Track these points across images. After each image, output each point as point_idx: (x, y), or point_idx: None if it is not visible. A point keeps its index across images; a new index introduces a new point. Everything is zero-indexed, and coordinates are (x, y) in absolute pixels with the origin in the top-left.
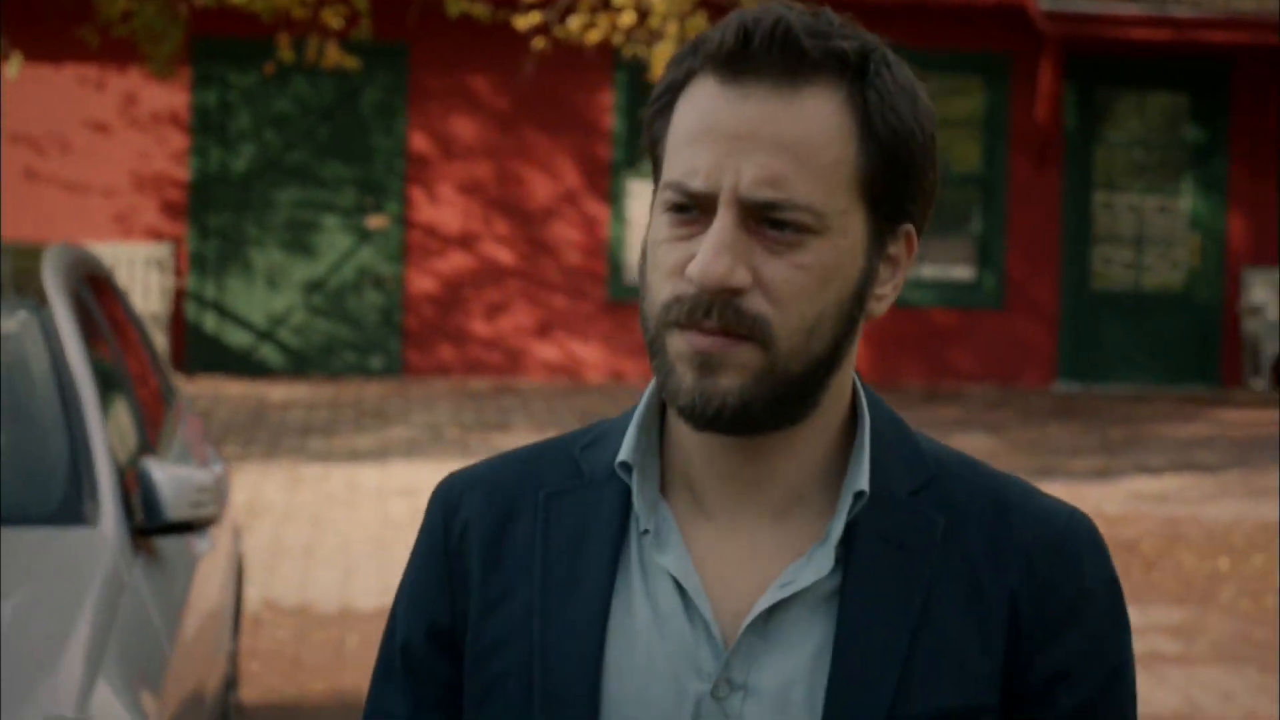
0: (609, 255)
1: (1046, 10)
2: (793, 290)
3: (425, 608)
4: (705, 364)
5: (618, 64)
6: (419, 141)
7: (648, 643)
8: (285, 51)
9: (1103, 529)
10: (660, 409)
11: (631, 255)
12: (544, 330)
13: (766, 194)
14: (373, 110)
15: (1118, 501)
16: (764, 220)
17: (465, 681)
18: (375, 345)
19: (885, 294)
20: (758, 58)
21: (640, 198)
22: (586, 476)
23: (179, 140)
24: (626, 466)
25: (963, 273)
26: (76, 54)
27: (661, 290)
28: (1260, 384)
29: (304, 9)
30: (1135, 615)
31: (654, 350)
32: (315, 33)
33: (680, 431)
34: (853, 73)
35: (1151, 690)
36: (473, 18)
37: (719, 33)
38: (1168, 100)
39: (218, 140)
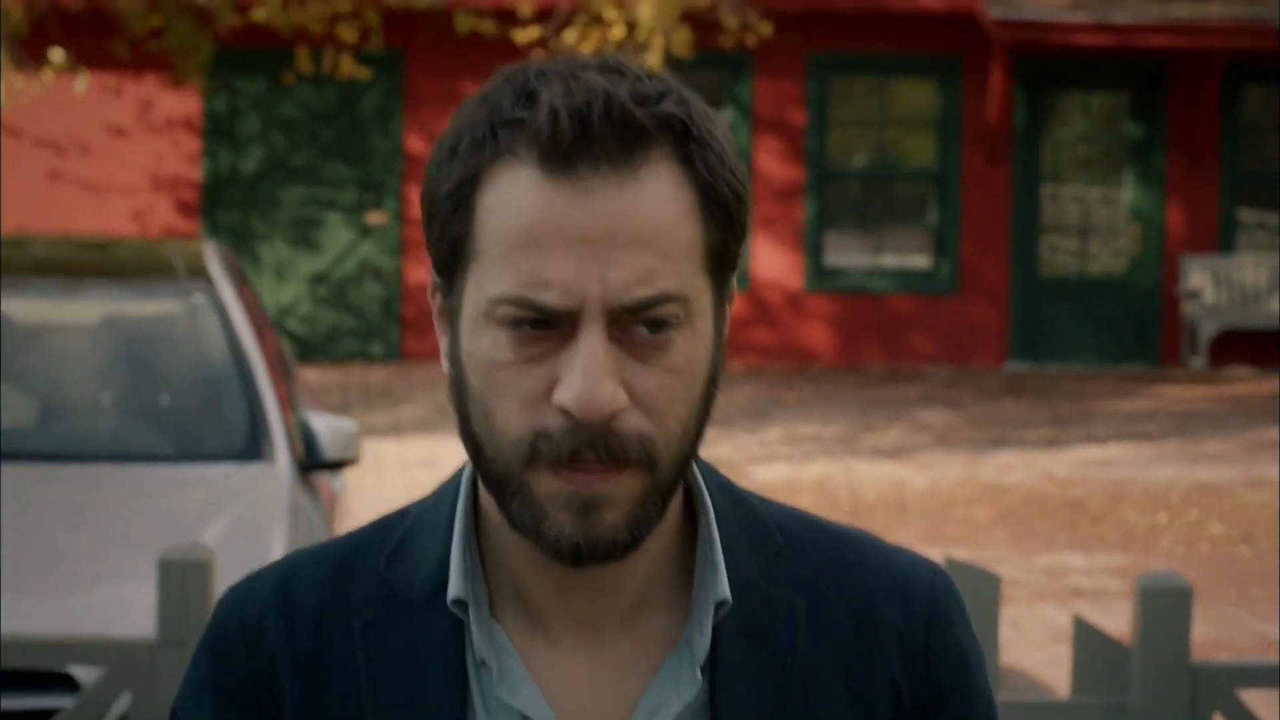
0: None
1: (997, 18)
2: (667, 398)
3: None
4: (587, 504)
5: None
6: (414, 143)
7: None
8: (304, 63)
9: (1053, 491)
10: (475, 519)
11: None
12: None
13: (640, 293)
14: (371, 115)
15: (1066, 466)
16: (629, 326)
17: None
18: (376, 333)
19: (721, 371)
20: (594, 144)
21: None
22: (402, 599)
23: (192, 143)
24: (461, 604)
25: (919, 261)
26: (96, 63)
27: (514, 423)
28: (1197, 362)
29: (321, 24)
30: (1085, 561)
31: (509, 491)
32: (330, 45)
33: (505, 542)
34: (681, 138)
35: (1102, 620)
36: (463, 29)
37: (545, 119)
38: (1109, 99)
39: (228, 143)
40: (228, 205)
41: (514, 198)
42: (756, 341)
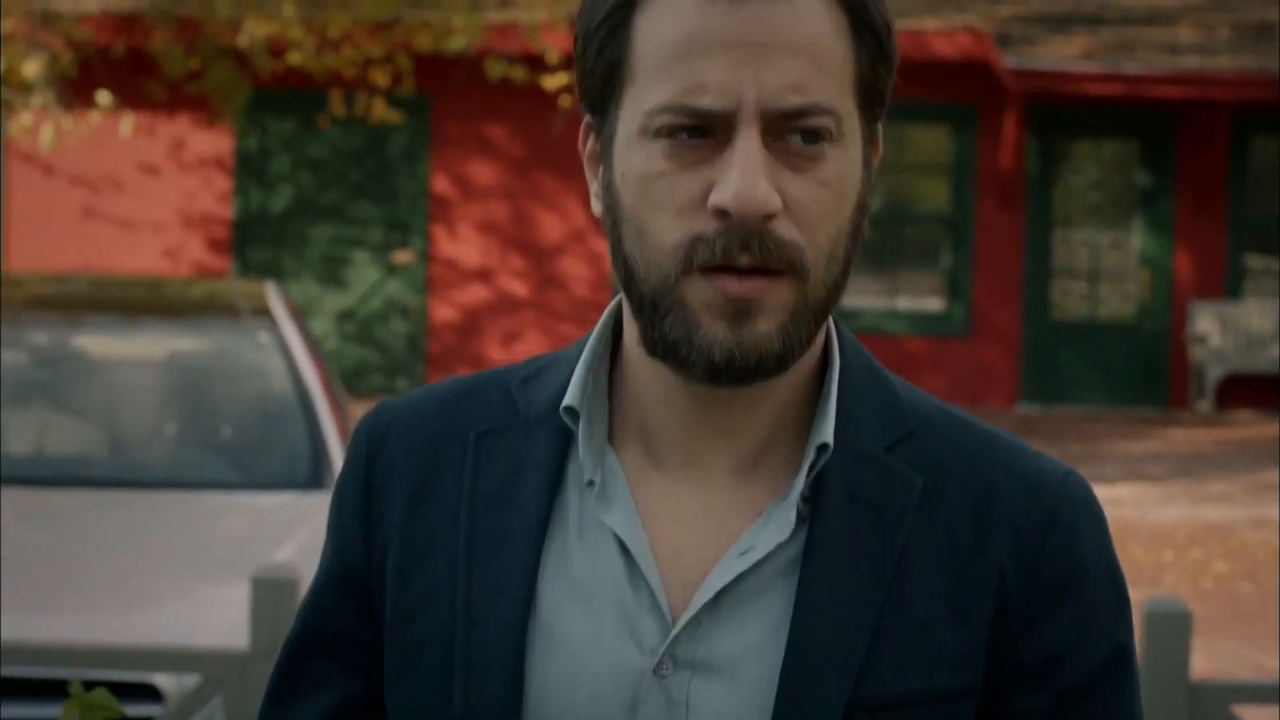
0: (613, 289)
1: (1011, 68)
2: (820, 210)
3: (344, 547)
4: (739, 310)
5: None
6: (441, 184)
7: (583, 609)
8: (337, 107)
9: None
10: (612, 349)
11: None
12: None
13: (794, 100)
14: (399, 156)
15: None
16: (784, 134)
17: (385, 649)
18: (401, 369)
19: (870, 204)
20: None
21: None
22: (523, 414)
23: (223, 182)
24: (572, 412)
25: (933, 304)
26: (131, 103)
27: (670, 232)
28: (1204, 406)
29: (354, 69)
30: None
31: (662, 306)
32: (363, 90)
33: (639, 376)
34: None
35: None
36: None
37: None
38: (1120, 148)
39: (258, 182)
40: (258, 243)
41: (671, 13)
42: None
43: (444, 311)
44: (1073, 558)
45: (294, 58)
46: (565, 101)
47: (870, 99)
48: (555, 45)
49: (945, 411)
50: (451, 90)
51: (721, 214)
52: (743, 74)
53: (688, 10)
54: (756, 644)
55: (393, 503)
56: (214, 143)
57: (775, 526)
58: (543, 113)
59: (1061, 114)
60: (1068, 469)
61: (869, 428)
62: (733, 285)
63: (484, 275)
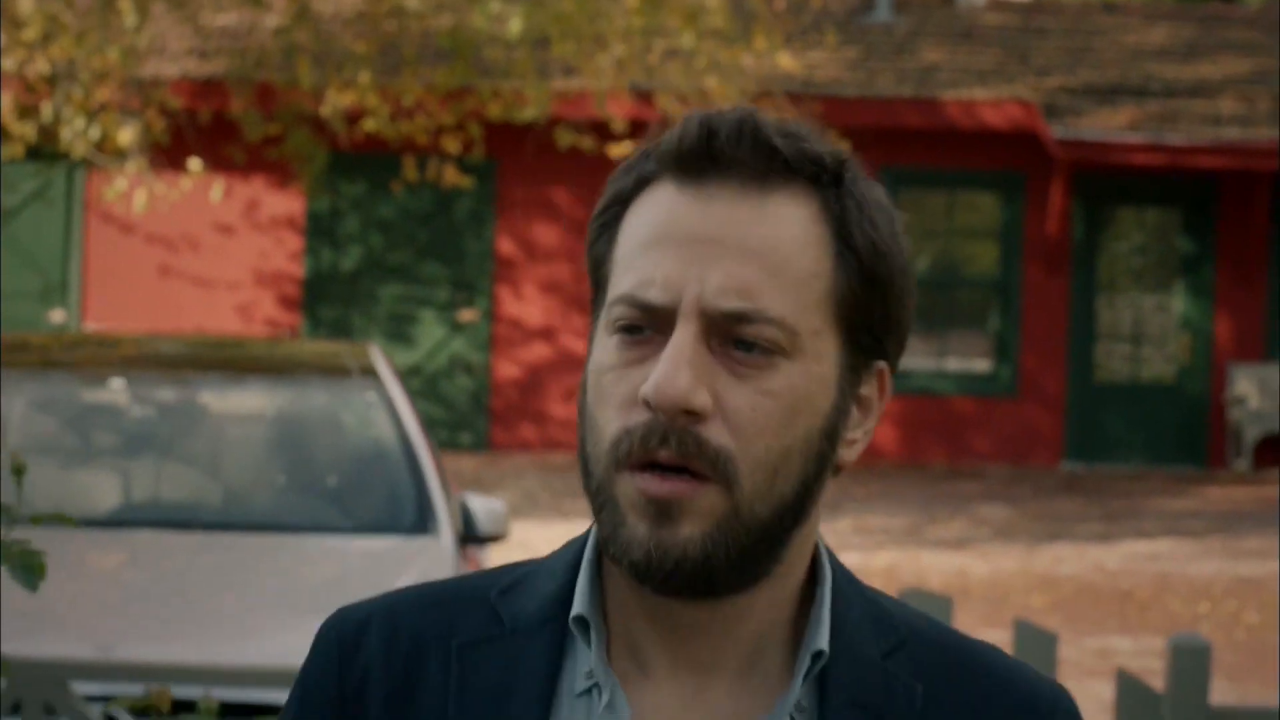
0: None
1: (1059, 138)
2: (759, 420)
3: None
4: (662, 511)
5: None
6: (506, 245)
7: None
8: (410, 171)
9: (1104, 581)
10: (598, 562)
11: None
12: None
13: (735, 304)
14: (465, 218)
15: (1117, 559)
16: (729, 339)
17: None
18: (465, 424)
19: (856, 439)
20: (724, 156)
21: None
22: (508, 626)
23: (295, 242)
24: (582, 621)
25: (981, 365)
26: (208, 165)
27: (609, 425)
28: (1242, 465)
29: (426, 135)
30: (1131, 644)
31: (599, 500)
32: (435, 155)
33: (624, 589)
34: (829, 179)
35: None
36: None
37: (678, 131)
38: (1163, 215)
39: (329, 242)
40: (328, 301)
41: (650, 208)
42: None
43: (507, 369)
44: None
45: (369, 124)
46: None
47: (853, 323)
48: (619, 113)
49: (930, 621)
50: (516, 155)
51: (647, 406)
52: (689, 271)
53: (661, 204)
54: None
55: (369, 710)
56: (286, 204)
57: None
58: (604, 177)
59: (1107, 182)
60: (1057, 685)
61: (864, 636)
62: (653, 484)
63: (546, 334)
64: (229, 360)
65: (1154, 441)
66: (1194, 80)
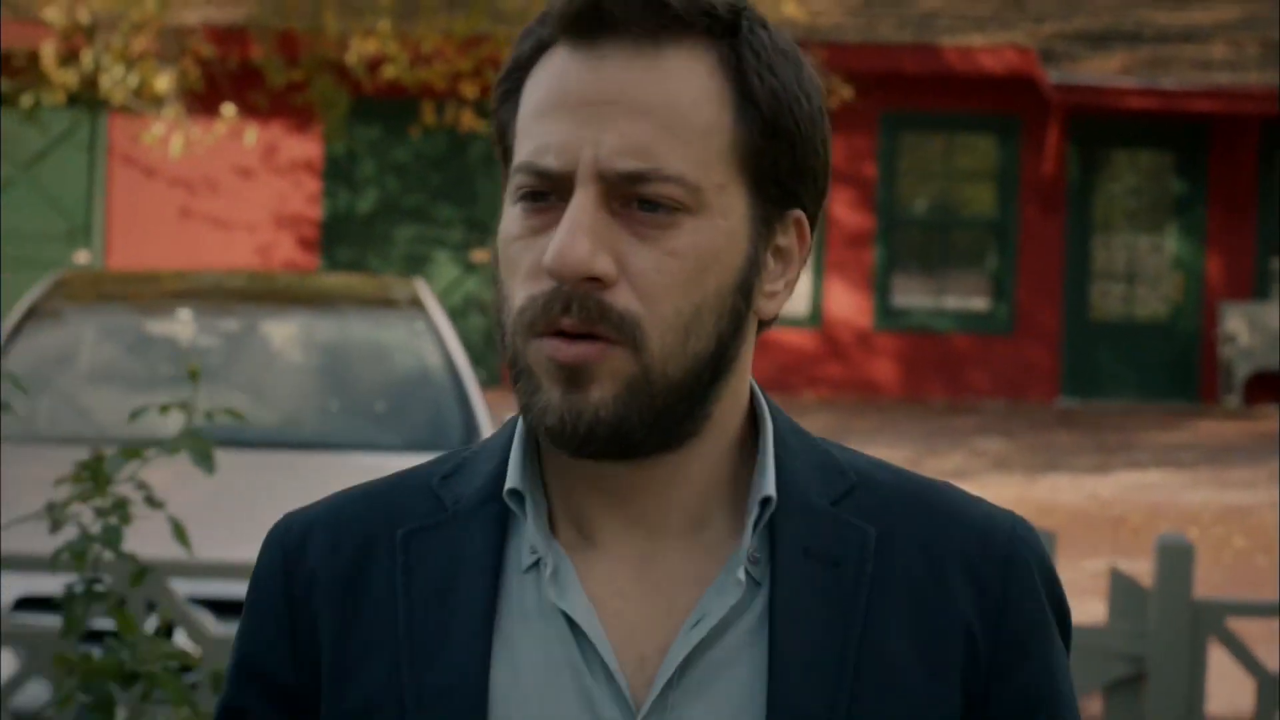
0: None
1: (1055, 82)
2: (665, 281)
3: (264, 666)
4: (571, 376)
5: None
6: None
7: (539, 698)
8: (429, 116)
9: (1098, 509)
10: (535, 436)
11: None
12: None
13: (631, 164)
14: (478, 160)
15: (1111, 489)
16: (629, 200)
17: None
18: (479, 360)
19: (777, 290)
20: (614, 15)
21: None
22: (450, 510)
23: (312, 185)
24: (517, 495)
25: (979, 304)
26: (211, 110)
27: (517, 294)
28: (1233, 400)
29: (444, 81)
30: (1125, 565)
31: (514, 368)
32: (453, 100)
33: (560, 458)
34: (723, 30)
35: None
36: None
37: None
38: (1155, 158)
39: (346, 185)
40: (345, 242)
41: (545, 74)
42: (828, 375)
43: None
44: (1034, 605)
45: (389, 71)
46: None
47: (759, 174)
48: None
49: (882, 465)
50: None
51: (551, 275)
52: (583, 134)
53: (555, 70)
54: (730, 715)
55: (319, 613)
56: (304, 148)
57: (725, 591)
58: None
59: (1101, 126)
60: (1013, 514)
61: (811, 484)
62: (560, 349)
63: None
64: (286, 293)
65: (1147, 378)
66: (1185, 26)
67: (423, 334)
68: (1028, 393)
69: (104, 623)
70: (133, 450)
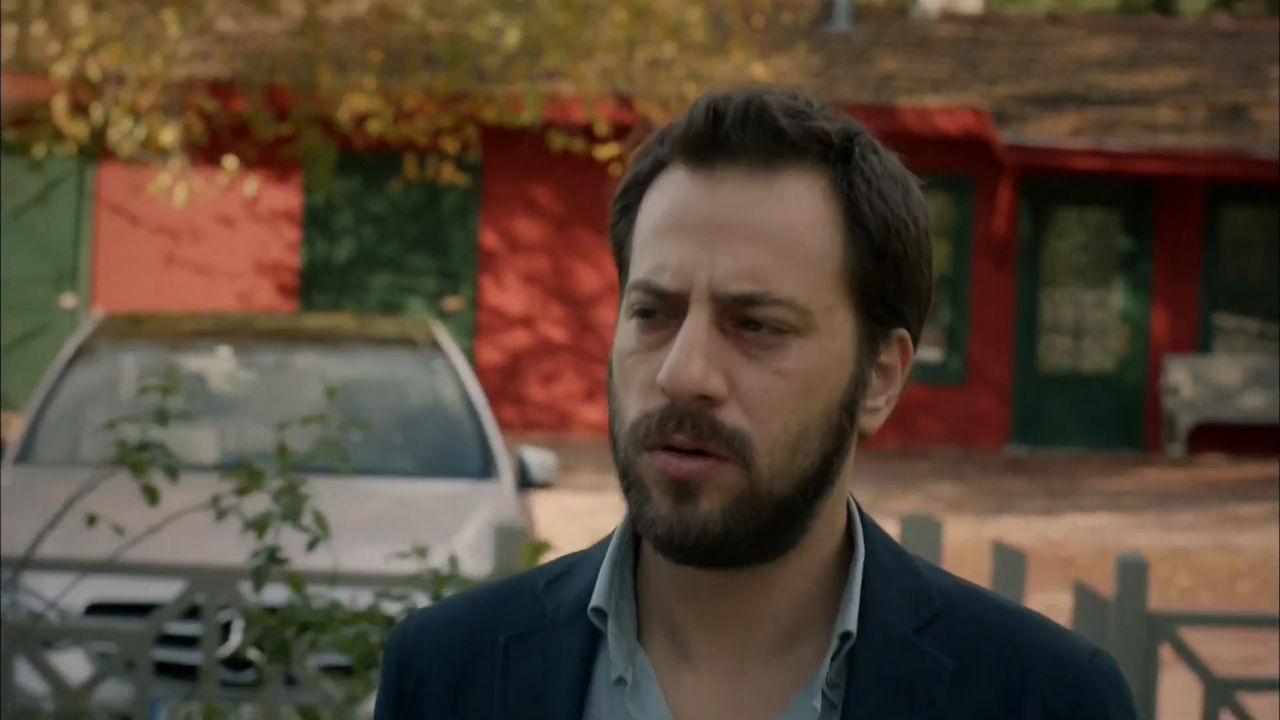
0: None
1: (1007, 143)
2: (774, 400)
3: None
4: (681, 490)
5: None
6: (489, 239)
7: None
8: (411, 169)
9: (1048, 550)
10: (635, 545)
11: None
12: (590, 396)
13: (745, 287)
14: (452, 212)
15: (1059, 531)
16: (741, 321)
17: None
18: None
19: (878, 406)
20: (730, 140)
21: None
22: (550, 616)
23: (292, 233)
24: (599, 612)
25: (932, 355)
26: (206, 161)
27: (631, 408)
28: (1176, 450)
29: (425, 136)
30: (1072, 600)
31: (625, 478)
32: (434, 154)
33: (658, 568)
34: (836, 156)
35: None
36: (546, 142)
37: (687, 115)
38: (1103, 215)
39: (324, 234)
40: (322, 289)
41: (663, 193)
42: None
43: (490, 354)
44: None
45: (374, 125)
46: (616, 170)
47: (867, 296)
48: (604, 116)
49: (970, 591)
50: (500, 154)
51: (664, 392)
52: (700, 256)
53: (673, 189)
54: None
55: (426, 711)
56: (284, 198)
57: (800, 715)
58: (583, 175)
59: (1051, 185)
60: (1095, 646)
61: (896, 611)
62: (673, 464)
63: (526, 322)
64: (313, 334)
65: (1094, 427)
66: (1133, 90)
67: (442, 372)
68: (978, 440)
69: (179, 628)
70: (283, 452)
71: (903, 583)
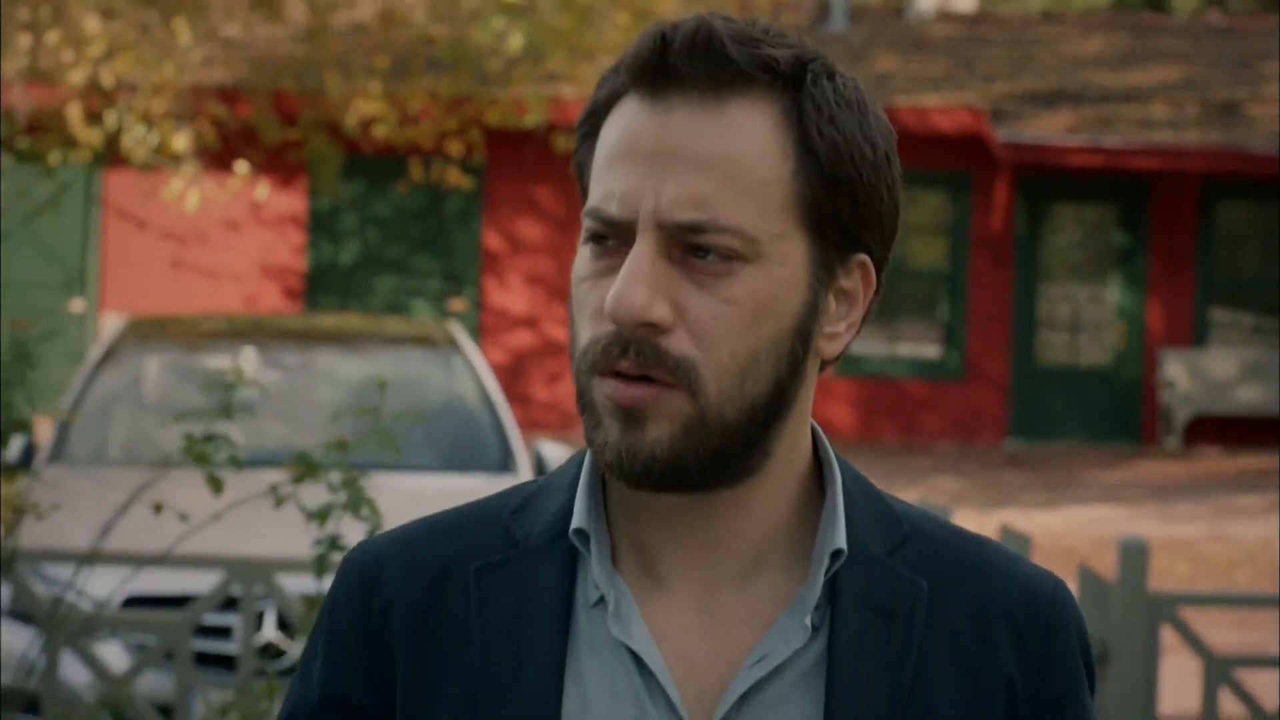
0: None
1: (1003, 140)
2: (722, 327)
3: (342, 688)
4: (629, 416)
5: None
6: (492, 240)
7: None
8: (417, 173)
9: (1046, 542)
10: (602, 472)
11: None
12: None
13: (689, 215)
14: (455, 214)
15: (1058, 523)
16: (688, 248)
17: None
18: None
19: (838, 332)
20: (679, 68)
21: None
22: (521, 545)
23: (297, 237)
24: (582, 534)
25: (931, 351)
26: (217, 167)
27: (583, 333)
28: (1173, 443)
29: (431, 140)
30: (1075, 587)
31: (581, 402)
32: (439, 158)
33: (625, 493)
34: (786, 83)
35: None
36: (549, 145)
37: (635, 44)
38: (1099, 212)
39: (329, 238)
40: (328, 291)
41: (617, 122)
42: None
43: (493, 355)
44: (1073, 665)
45: (380, 130)
46: None
47: (821, 223)
48: None
49: (934, 519)
50: (503, 157)
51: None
52: (645, 184)
53: (625, 118)
54: None
55: (394, 643)
56: (289, 202)
57: (789, 634)
58: None
59: (1047, 182)
60: (1055, 576)
61: (870, 534)
62: (619, 390)
63: (530, 322)
64: (336, 334)
65: (1091, 421)
66: (1128, 87)
67: (461, 370)
68: (978, 435)
69: (214, 618)
70: (339, 443)
71: (872, 507)
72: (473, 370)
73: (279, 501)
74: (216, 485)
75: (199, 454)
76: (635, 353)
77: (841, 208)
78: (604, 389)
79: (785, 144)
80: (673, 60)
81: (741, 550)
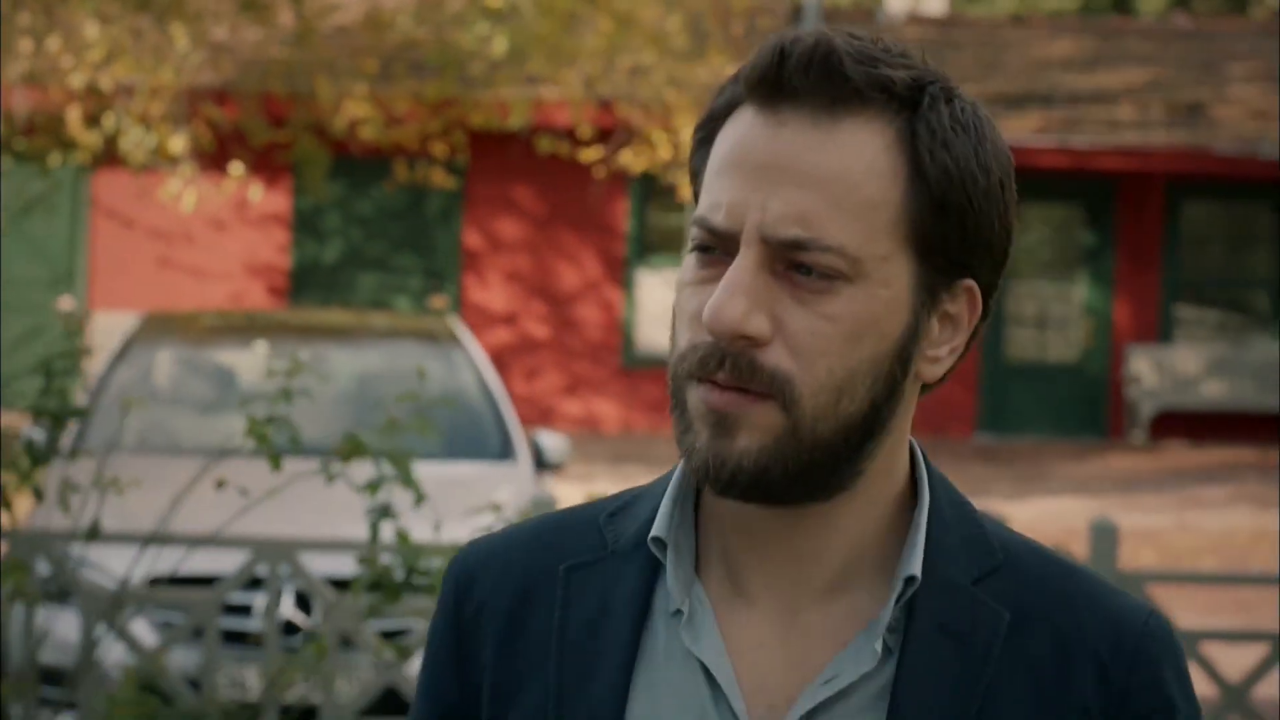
0: (622, 331)
1: None
2: (819, 344)
3: (438, 690)
4: (720, 423)
5: (630, 179)
6: (472, 239)
7: None
8: (402, 173)
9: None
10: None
11: (640, 333)
12: (570, 390)
13: (793, 232)
14: (435, 213)
15: (1028, 514)
16: (791, 264)
17: None
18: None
19: (940, 356)
20: (795, 83)
21: (647, 287)
22: (611, 547)
23: (282, 236)
24: (660, 542)
25: None
26: (210, 168)
27: (682, 338)
28: (1139, 437)
29: (415, 141)
30: None
31: (675, 405)
32: (423, 159)
33: (715, 503)
34: (902, 104)
35: None
36: (532, 146)
37: (754, 56)
38: (1067, 211)
39: (313, 236)
40: (311, 289)
41: (731, 132)
42: None
43: None
44: (1157, 696)
45: (366, 131)
46: (600, 173)
47: (928, 247)
48: (586, 120)
49: (1031, 547)
50: (483, 157)
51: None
52: (752, 197)
53: (739, 129)
54: None
55: (484, 642)
56: (274, 202)
57: (860, 656)
58: (563, 177)
59: (1016, 182)
60: (1151, 608)
61: (957, 560)
62: (712, 396)
63: (509, 319)
64: (342, 328)
65: (1058, 416)
66: (1095, 89)
67: (462, 363)
68: (947, 429)
69: (240, 596)
70: (391, 424)
71: (964, 533)
72: (472, 363)
73: (330, 478)
74: (275, 462)
75: (259, 434)
76: (731, 365)
77: (950, 234)
78: (698, 394)
79: (896, 166)
80: (789, 74)
81: (827, 567)
